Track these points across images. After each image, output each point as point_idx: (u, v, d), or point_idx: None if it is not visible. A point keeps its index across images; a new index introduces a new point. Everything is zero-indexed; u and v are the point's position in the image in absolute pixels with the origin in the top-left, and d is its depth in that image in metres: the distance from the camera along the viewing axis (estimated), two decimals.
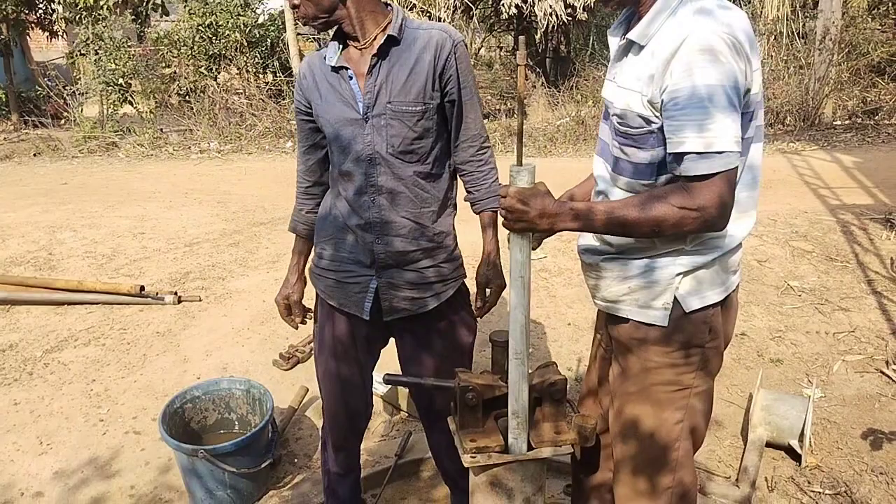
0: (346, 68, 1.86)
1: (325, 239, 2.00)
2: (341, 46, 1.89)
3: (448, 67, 1.85)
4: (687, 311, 1.59)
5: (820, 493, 2.66)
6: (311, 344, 3.69)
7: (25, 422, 3.11)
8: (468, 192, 2.02)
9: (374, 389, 3.19)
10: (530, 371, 1.93)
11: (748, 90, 1.45)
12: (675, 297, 1.59)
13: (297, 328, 2.20)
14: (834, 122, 9.90)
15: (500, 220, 1.66)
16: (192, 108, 10.23)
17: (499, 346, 1.90)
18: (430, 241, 1.94)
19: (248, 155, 9.20)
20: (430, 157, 1.91)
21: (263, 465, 2.55)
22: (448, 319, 2.05)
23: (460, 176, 2.02)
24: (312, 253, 2.09)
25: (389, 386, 3.17)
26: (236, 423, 2.83)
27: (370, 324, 1.99)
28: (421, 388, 2.04)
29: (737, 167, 1.40)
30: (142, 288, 4.28)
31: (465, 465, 1.85)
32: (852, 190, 6.76)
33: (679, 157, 1.43)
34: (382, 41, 1.82)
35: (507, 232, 1.62)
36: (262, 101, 10.34)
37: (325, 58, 1.89)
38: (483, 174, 1.99)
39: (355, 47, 1.87)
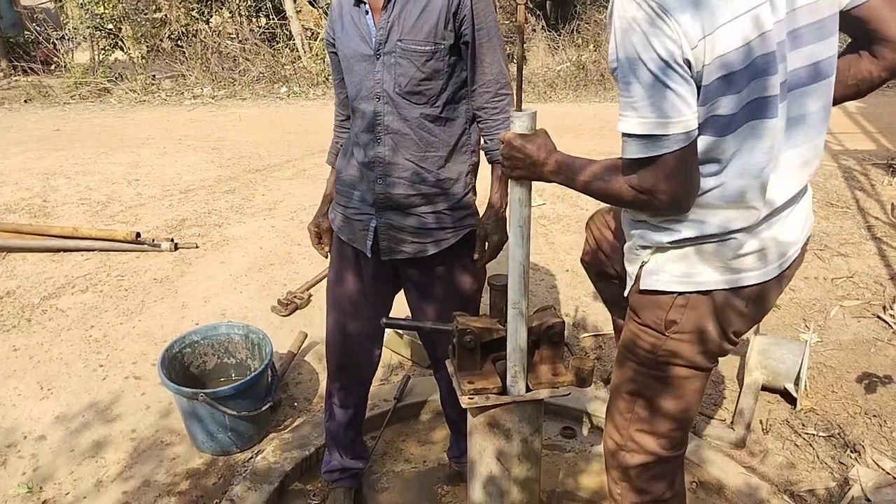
0: (364, 2, 1.83)
1: (341, 173, 2.03)
2: None
3: (463, 7, 1.79)
4: (640, 289, 1.49)
5: (814, 435, 2.69)
6: (310, 290, 3.69)
7: (25, 367, 3.12)
8: (483, 140, 1.98)
9: None
10: (529, 314, 1.93)
11: (694, 60, 1.23)
12: (643, 272, 1.50)
13: (326, 256, 2.19)
14: None
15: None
16: (184, 53, 10.01)
17: (497, 289, 1.89)
18: (432, 187, 1.91)
19: (242, 101, 9.04)
20: (439, 99, 1.86)
21: (263, 409, 2.57)
22: (449, 266, 2.03)
23: (477, 123, 1.96)
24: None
25: (390, 333, 3.18)
26: (235, 367, 2.84)
27: (375, 262, 2.01)
28: (420, 331, 2.04)
29: (682, 149, 1.24)
30: (138, 235, 4.25)
31: (464, 405, 1.86)
32: (855, 135, 6.68)
33: None
34: None
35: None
36: (256, 45, 10.10)
37: None
38: (498, 122, 1.91)
39: None
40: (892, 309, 3.48)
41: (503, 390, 1.87)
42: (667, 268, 1.45)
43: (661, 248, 1.45)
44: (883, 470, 2.51)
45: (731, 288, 1.42)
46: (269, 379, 2.68)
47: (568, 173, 1.45)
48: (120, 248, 4.25)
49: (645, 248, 1.47)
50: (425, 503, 2.41)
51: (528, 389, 1.88)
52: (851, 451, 2.59)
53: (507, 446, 1.93)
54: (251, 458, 2.57)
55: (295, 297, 3.59)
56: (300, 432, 2.65)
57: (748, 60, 1.24)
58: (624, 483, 1.68)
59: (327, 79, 9.76)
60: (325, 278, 2.12)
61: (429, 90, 1.84)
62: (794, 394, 2.80)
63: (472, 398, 1.86)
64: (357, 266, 2.06)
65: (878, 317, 3.45)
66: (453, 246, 1.99)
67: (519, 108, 1.56)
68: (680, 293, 1.44)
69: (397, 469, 2.58)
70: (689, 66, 1.22)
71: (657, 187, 1.29)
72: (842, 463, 2.55)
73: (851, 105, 7.93)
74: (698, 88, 1.25)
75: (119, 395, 2.93)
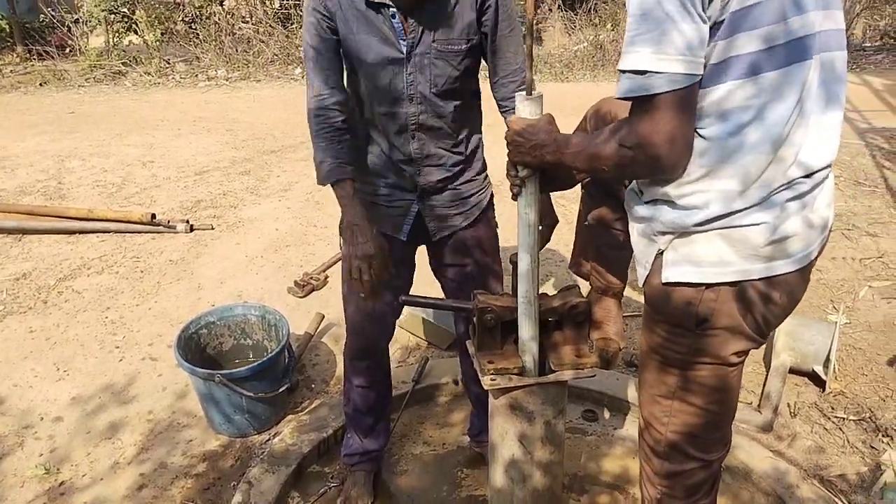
0: (388, 6, 1.73)
1: (358, 168, 1.94)
2: None
3: None
4: (663, 282, 1.35)
5: (844, 418, 2.62)
6: (326, 272, 3.65)
7: (42, 349, 3.11)
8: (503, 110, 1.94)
9: None
10: (552, 294, 1.87)
11: None
12: (661, 261, 1.35)
13: (373, 294, 1.93)
14: (864, 44, 9.50)
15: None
16: (198, 36, 9.94)
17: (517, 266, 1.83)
18: (463, 162, 1.97)
19: (256, 82, 8.98)
20: (468, 92, 1.90)
21: (280, 390, 2.53)
22: (477, 227, 2.06)
23: (502, 113, 1.94)
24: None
25: (408, 313, 3.13)
26: (252, 349, 2.80)
27: (405, 245, 2.02)
28: (439, 309, 1.99)
29: (679, 91, 1.15)
30: (153, 216, 4.22)
31: (485, 387, 1.81)
32: (882, 113, 6.52)
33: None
34: None
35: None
36: (270, 26, 10.02)
37: None
38: None
39: None
40: None
41: (523, 370, 1.82)
42: (692, 257, 1.31)
43: (683, 234, 1.31)
44: None
45: (764, 278, 1.30)
46: (286, 360, 2.64)
47: (563, 148, 1.37)
48: (135, 230, 4.23)
49: (663, 233, 1.34)
50: (444, 486, 2.37)
51: (550, 371, 1.82)
52: (883, 436, 2.51)
53: (529, 429, 1.88)
54: (268, 440, 2.54)
55: (311, 278, 3.54)
56: (317, 414, 2.62)
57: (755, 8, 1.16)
58: (662, 485, 1.57)
59: None
60: (340, 261, 2.05)
61: (463, 86, 1.85)
62: (823, 376, 2.72)
63: (493, 379, 1.81)
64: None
65: None
66: (485, 209, 2.05)
67: (529, 92, 1.51)
68: (709, 285, 1.31)
69: (416, 452, 2.54)
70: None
71: (647, 139, 1.18)
72: (873, 447, 2.48)
73: (877, 82, 7.74)
74: (719, 23, 1.16)
75: (135, 376, 2.91)
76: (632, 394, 2.71)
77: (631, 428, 2.64)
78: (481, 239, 2.07)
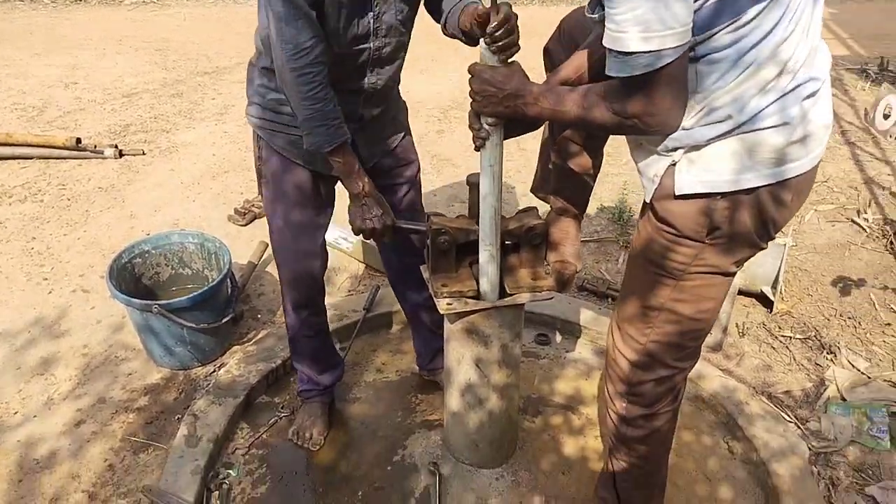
0: None
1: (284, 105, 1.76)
2: None
3: None
4: (676, 194, 1.31)
5: (790, 337, 2.67)
6: None
7: None
8: (449, 14, 1.74)
9: (338, 244, 3.05)
10: (508, 216, 1.79)
11: None
12: (673, 173, 1.31)
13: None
14: None
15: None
16: None
17: (475, 188, 1.73)
18: (395, 99, 1.94)
19: (186, 0, 8.41)
20: (414, 21, 1.77)
21: (224, 321, 2.41)
22: (408, 140, 2.02)
23: (437, 3, 1.78)
24: (254, 107, 1.82)
25: (353, 241, 3.02)
26: (191, 278, 2.66)
27: (334, 181, 1.88)
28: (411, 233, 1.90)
29: (671, 63, 1.12)
30: (78, 140, 3.93)
31: (441, 311, 1.74)
32: (828, 41, 6.54)
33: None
34: None
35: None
36: None
37: None
38: None
39: None
40: (865, 213, 3.45)
41: (479, 294, 1.76)
42: (708, 165, 1.27)
43: (696, 146, 1.27)
44: (857, 370, 2.50)
45: (779, 181, 1.27)
46: (229, 290, 2.51)
47: (545, 104, 1.32)
48: (59, 156, 3.93)
49: (675, 148, 1.29)
50: (399, 412, 2.33)
51: (506, 294, 1.76)
52: (827, 353, 2.58)
53: (486, 353, 1.83)
54: (213, 371, 2.44)
55: (252, 205, 3.37)
56: (264, 344, 2.52)
57: None
58: (632, 398, 1.58)
59: None
60: (265, 214, 1.96)
61: (414, 16, 1.75)
62: (772, 297, 2.76)
63: (450, 304, 1.74)
64: (311, 184, 1.87)
65: (853, 221, 3.41)
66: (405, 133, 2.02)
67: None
68: (723, 194, 1.27)
69: (369, 379, 2.48)
70: None
71: (647, 109, 1.18)
72: (818, 364, 2.54)
73: (824, 11, 7.75)
74: None
75: (66, 309, 2.73)
76: (583, 318, 2.70)
77: (583, 350, 2.64)
78: (409, 152, 2.02)
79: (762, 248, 1.41)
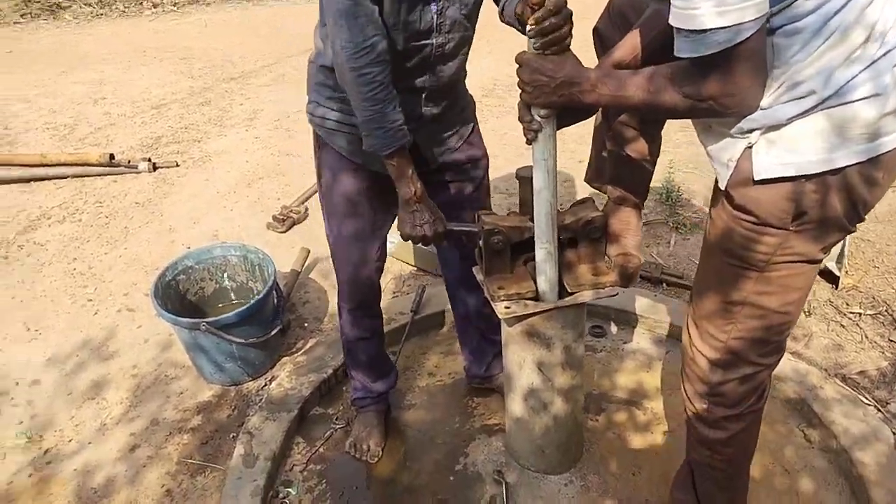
0: None
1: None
2: None
3: None
4: (756, 179, 1.20)
5: (860, 314, 2.53)
6: (305, 203, 3.43)
7: (8, 309, 2.89)
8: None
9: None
10: (564, 209, 1.70)
11: None
12: (751, 156, 1.20)
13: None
14: None
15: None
16: None
17: (526, 182, 1.65)
18: (461, 95, 1.84)
19: (206, 6, 8.39)
20: (478, 14, 1.68)
21: (273, 333, 2.37)
22: (476, 139, 1.94)
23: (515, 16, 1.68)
24: (313, 105, 1.75)
25: (395, 241, 2.95)
26: (236, 291, 2.62)
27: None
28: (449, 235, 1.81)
29: (749, 37, 1.03)
30: (112, 156, 3.92)
31: (500, 315, 1.66)
32: None
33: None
34: None
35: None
36: None
37: None
38: None
39: None
40: None
41: (537, 294, 1.68)
42: (792, 146, 1.16)
43: (776, 126, 1.16)
44: None
45: (870, 159, 1.15)
46: (276, 301, 2.46)
47: (605, 90, 1.23)
48: (94, 173, 3.93)
49: (752, 129, 1.18)
50: (456, 417, 2.26)
51: (566, 293, 1.68)
52: None
53: (548, 356, 1.75)
54: (265, 385, 2.40)
55: (291, 211, 3.33)
56: (314, 354, 2.47)
57: None
58: (714, 398, 1.48)
59: None
60: (323, 211, 1.88)
61: (478, 9, 1.67)
62: (837, 272, 2.62)
63: (508, 307, 1.66)
64: (369, 186, 1.80)
65: None
66: (469, 135, 1.92)
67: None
68: (809, 176, 1.17)
69: (422, 384, 2.42)
70: None
71: (725, 89, 1.08)
72: (891, 341, 2.40)
73: None
74: None
75: (113, 330, 2.72)
76: (639, 306, 2.60)
77: (641, 340, 2.54)
78: (476, 147, 1.93)
79: (851, 232, 1.30)
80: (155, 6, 8.57)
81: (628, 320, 2.61)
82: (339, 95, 1.64)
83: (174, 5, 8.54)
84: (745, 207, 1.25)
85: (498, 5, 1.68)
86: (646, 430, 2.16)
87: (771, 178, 1.19)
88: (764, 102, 1.14)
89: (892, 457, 1.96)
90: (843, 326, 2.49)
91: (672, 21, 1.07)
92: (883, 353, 2.37)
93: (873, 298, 2.59)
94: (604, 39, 1.65)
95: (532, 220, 1.61)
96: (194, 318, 2.27)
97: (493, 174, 3.64)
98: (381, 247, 1.93)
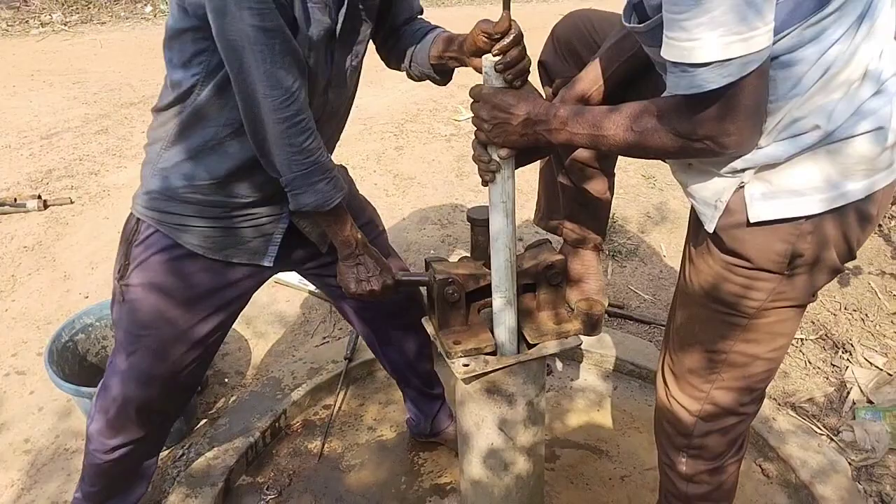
0: None
1: (202, 182, 1.41)
2: None
3: None
4: (751, 221, 1.11)
5: (801, 339, 2.53)
6: None
7: None
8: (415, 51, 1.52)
9: (300, 283, 2.77)
10: (520, 252, 1.56)
11: None
12: (744, 196, 1.10)
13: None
14: None
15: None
16: None
17: (479, 225, 1.51)
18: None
19: (100, 25, 7.88)
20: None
21: None
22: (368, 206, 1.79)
23: (396, 46, 1.56)
24: (153, 191, 1.46)
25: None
26: None
27: (265, 272, 1.59)
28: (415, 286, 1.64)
29: (754, 72, 0.93)
30: None
31: (459, 375, 1.49)
32: None
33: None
34: None
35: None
36: None
37: None
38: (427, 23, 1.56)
39: None
40: None
41: (496, 348, 1.53)
42: (792, 185, 1.06)
43: (772, 164, 1.06)
44: (876, 367, 2.38)
45: (867, 195, 1.08)
46: None
47: (579, 129, 1.11)
48: None
49: (744, 169, 1.08)
50: (402, 477, 2.07)
51: (527, 343, 1.54)
52: (842, 352, 2.44)
53: (510, 413, 1.59)
54: (182, 455, 2.12)
55: None
56: (238, 414, 2.22)
57: None
58: (694, 451, 1.38)
59: None
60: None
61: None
62: None
63: (467, 365, 1.50)
64: (229, 282, 1.55)
65: None
66: None
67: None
68: (808, 217, 1.07)
69: (361, 441, 2.21)
70: None
71: (724, 128, 0.97)
72: (834, 365, 2.40)
73: None
74: None
75: (1, 398, 2.37)
76: (585, 341, 2.49)
77: (588, 377, 2.45)
78: (375, 222, 1.76)
79: (842, 272, 1.22)
80: (43, 25, 7.98)
81: (573, 355, 2.51)
82: (209, 168, 1.38)
83: (64, 24, 7.97)
84: (738, 252, 1.14)
85: (398, 65, 1.55)
86: (605, 475, 2.04)
87: (767, 220, 1.09)
88: (760, 140, 1.04)
89: (851, 490, 1.93)
90: (787, 353, 2.47)
91: (665, 55, 0.95)
92: (827, 378, 2.36)
93: (812, 322, 2.60)
94: (551, 72, 1.53)
95: (487, 265, 1.47)
96: (95, 380, 1.98)
97: (424, 203, 3.53)
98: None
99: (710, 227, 1.16)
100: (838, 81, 1.00)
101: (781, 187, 1.07)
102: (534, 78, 1.42)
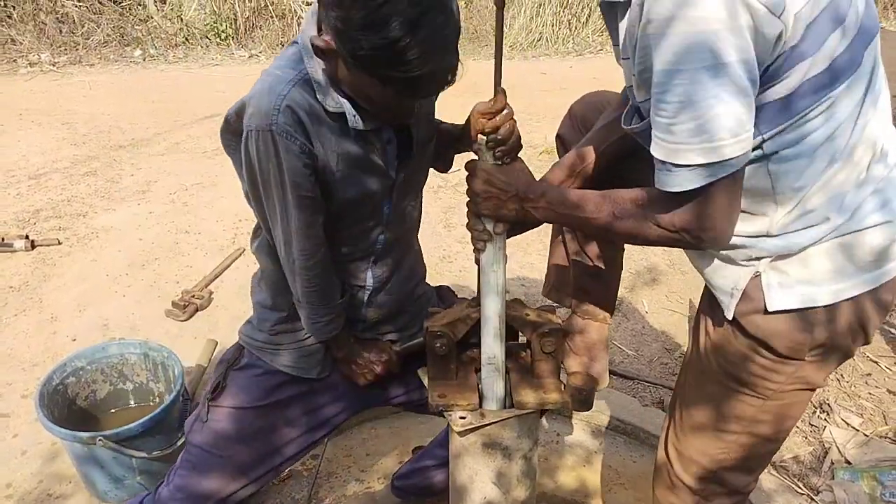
0: (379, 129, 1.38)
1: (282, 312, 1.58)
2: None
3: None
4: (768, 310, 1.15)
5: None
6: (209, 286, 3.18)
7: None
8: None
9: None
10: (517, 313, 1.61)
11: (772, 58, 0.97)
12: (760, 285, 1.15)
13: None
14: None
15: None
16: (10, 17, 8.64)
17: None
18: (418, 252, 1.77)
19: (89, 67, 7.94)
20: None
21: (179, 444, 2.09)
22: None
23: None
24: (250, 328, 1.63)
25: None
26: (134, 393, 2.33)
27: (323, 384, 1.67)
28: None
29: (731, 175, 1.00)
30: None
31: (455, 428, 1.52)
32: None
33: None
34: None
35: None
36: (100, 3, 8.90)
37: (326, 110, 1.30)
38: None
39: None
40: None
41: (480, 403, 1.56)
42: (807, 276, 1.12)
43: (785, 254, 1.13)
44: (853, 428, 2.44)
45: (881, 284, 1.13)
46: (182, 403, 2.20)
47: (561, 209, 1.18)
48: None
49: (759, 258, 1.14)
50: None
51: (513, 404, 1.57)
52: (821, 412, 2.51)
53: (505, 467, 1.62)
54: None
55: (193, 296, 3.06)
56: None
57: (816, 45, 0.98)
58: None
59: (186, 39, 8.81)
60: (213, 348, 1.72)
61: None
62: None
63: (464, 418, 1.53)
64: (326, 402, 1.69)
65: None
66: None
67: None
68: (825, 306, 1.13)
69: (349, 493, 2.21)
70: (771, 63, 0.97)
71: (701, 223, 1.04)
72: (812, 425, 2.47)
73: None
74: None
75: None
76: None
77: (577, 433, 2.48)
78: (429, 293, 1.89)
79: (852, 356, 1.29)
80: (32, 65, 8.02)
81: (562, 410, 2.54)
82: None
83: (53, 65, 8.03)
84: (759, 338, 1.19)
85: (443, 168, 1.67)
86: None
87: (784, 310, 1.15)
88: (773, 230, 1.11)
89: None
90: None
91: (654, 152, 1.03)
92: (806, 437, 2.42)
93: None
94: (567, 146, 1.61)
95: (471, 304, 1.53)
96: (84, 425, 1.99)
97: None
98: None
99: (728, 315, 1.21)
100: (848, 171, 1.07)
101: (796, 277, 1.13)
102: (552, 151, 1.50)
